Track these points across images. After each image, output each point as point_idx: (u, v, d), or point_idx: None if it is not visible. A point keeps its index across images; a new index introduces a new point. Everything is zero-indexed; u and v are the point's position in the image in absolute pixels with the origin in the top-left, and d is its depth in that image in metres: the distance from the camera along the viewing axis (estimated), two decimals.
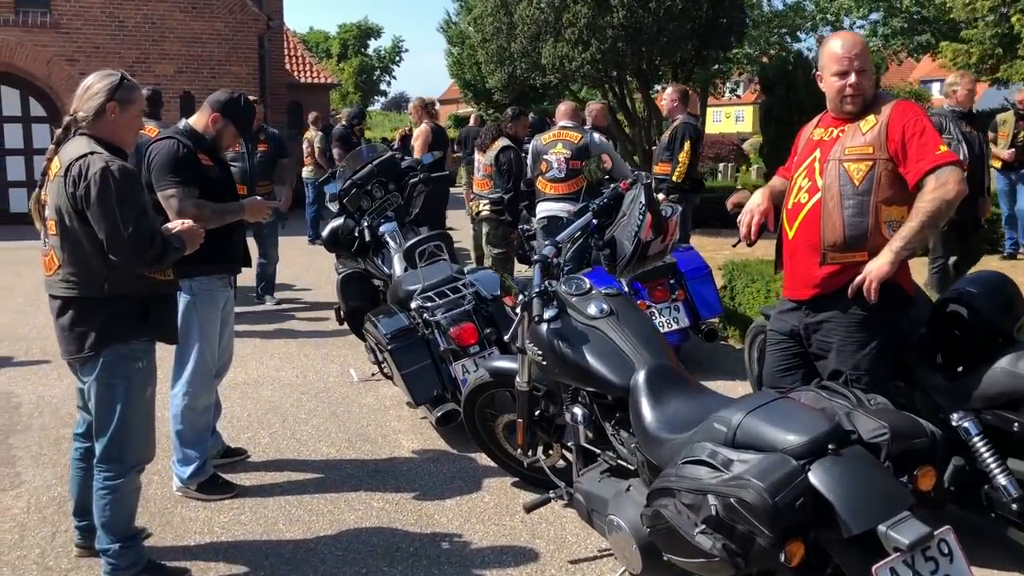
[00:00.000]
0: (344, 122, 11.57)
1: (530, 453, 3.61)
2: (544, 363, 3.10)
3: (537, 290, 2.98)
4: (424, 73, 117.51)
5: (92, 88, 3.04)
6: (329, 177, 8.43)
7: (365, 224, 5.57)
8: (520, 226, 7.57)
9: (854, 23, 32.48)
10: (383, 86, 60.82)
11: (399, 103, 63.46)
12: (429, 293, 4.60)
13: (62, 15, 14.57)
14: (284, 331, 7.12)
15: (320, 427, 4.91)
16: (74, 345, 3.03)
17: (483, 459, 4.21)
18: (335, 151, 10.18)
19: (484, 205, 6.79)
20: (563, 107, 6.59)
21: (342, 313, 5.82)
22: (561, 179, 6.32)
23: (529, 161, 6.62)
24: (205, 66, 15.30)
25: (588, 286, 3.17)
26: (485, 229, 6.84)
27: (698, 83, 23.33)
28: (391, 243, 5.54)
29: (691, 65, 13.42)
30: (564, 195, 6.32)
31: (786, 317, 3.26)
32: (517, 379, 3.44)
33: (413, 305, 4.62)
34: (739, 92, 43.21)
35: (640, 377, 2.77)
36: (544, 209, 6.40)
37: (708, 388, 2.94)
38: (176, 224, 3.25)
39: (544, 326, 2.99)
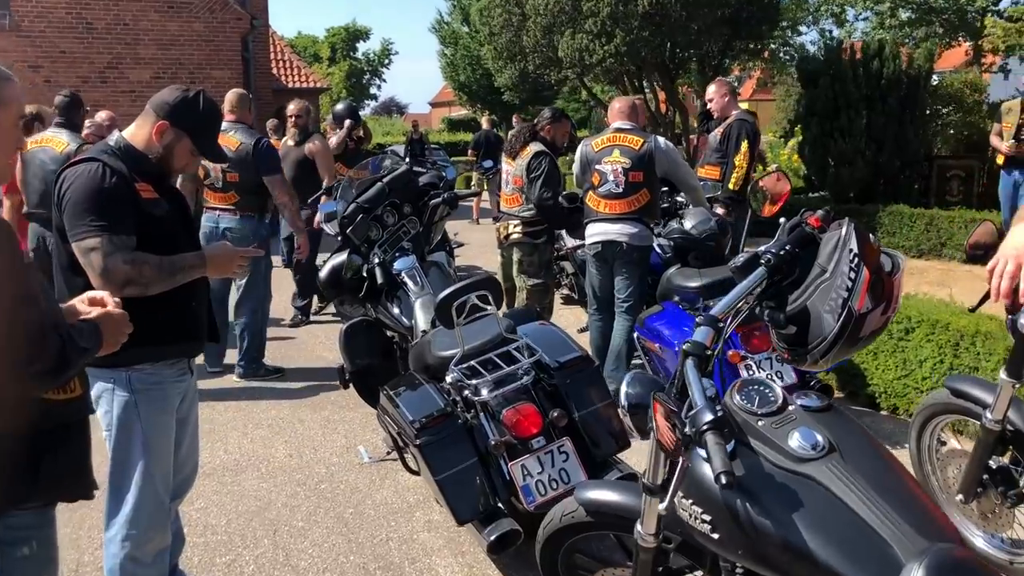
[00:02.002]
0: (335, 131, 9.66)
1: None
2: (714, 535, 1.83)
3: (708, 420, 1.69)
4: (415, 76, 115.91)
5: None
6: (323, 194, 7.17)
7: (376, 261, 4.29)
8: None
9: (859, 15, 31.33)
10: (373, 90, 59.46)
11: (389, 108, 62.08)
12: (472, 362, 3.31)
13: (23, 17, 13.25)
14: (272, 388, 5.81)
15: (323, 543, 3.62)
16: None
17: None
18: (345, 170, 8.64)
19: (515, 226, 5.50)
20: (619, 104, 5.28)
21: (346, 374, 4.51)
22: (619, 194, 5.03)
23: (576, 171, 5.33)
24: (183, 70, 13.99)
25: (779, 398, 1.89)
26: (517, 255, 5.54)
27: (696, 82, 22.07)
28: (410, 284, 4.26)
29: (719, 58, 12.15)
30: (622, 215, 5.03)
31: None
32: (639, 527, 2.16)
33: (449, 378, 3.34)
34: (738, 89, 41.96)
35: None
36: (597, 232, 5.11)
37: None
38: (88, 306, 1.99)
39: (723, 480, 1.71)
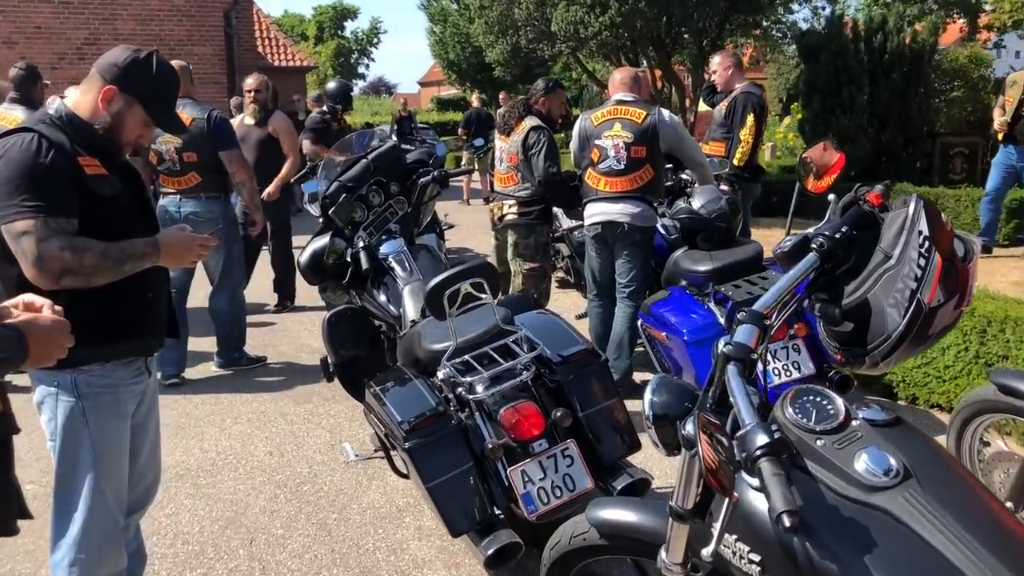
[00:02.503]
0: (319, 108, 8.96)
1: None
2: (763, 574, 1.52)
3: (763, 444, 1.37)
4: (404, 55, 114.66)
5: None
6: (307, 173, 6.81)
7: (361, 244, 3.95)
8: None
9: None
10: (362, 69, 58.82)
11: (378, 88, 61.42)
12: (466, 357, 2.99)
13: None
14: (253, 380, 5.47)
15: (304, 553, 3.31)
16: None
17: None
18: (305, 143, 7.73)
19: (510, 207, 5.16)
20: (620, 74, 4.93)
21: (330, 366, 4.18)
22: (620, 171, 4.70)
23: (574, 147, 4.98)
24: (163, 47, 13.45)
25: (840, 411, 1.57)
26: (512, 238, 5.20)
27: (689, 59, 21.48)
28: (398, 270, 3.92)
29: (716, 32, 11.76)
30: (624, 193, 4.70)
31: None
32: (663, 556, 1.85)
33: (441, 374, 3.02)
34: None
35: None
36: (597, 212, 4.78)
37: None
38: (16, 309, 1.67)
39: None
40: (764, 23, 15.10)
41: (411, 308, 3.70)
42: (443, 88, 45.47)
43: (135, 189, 2.46)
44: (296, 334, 6.47)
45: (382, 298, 3.91)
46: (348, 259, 3.95)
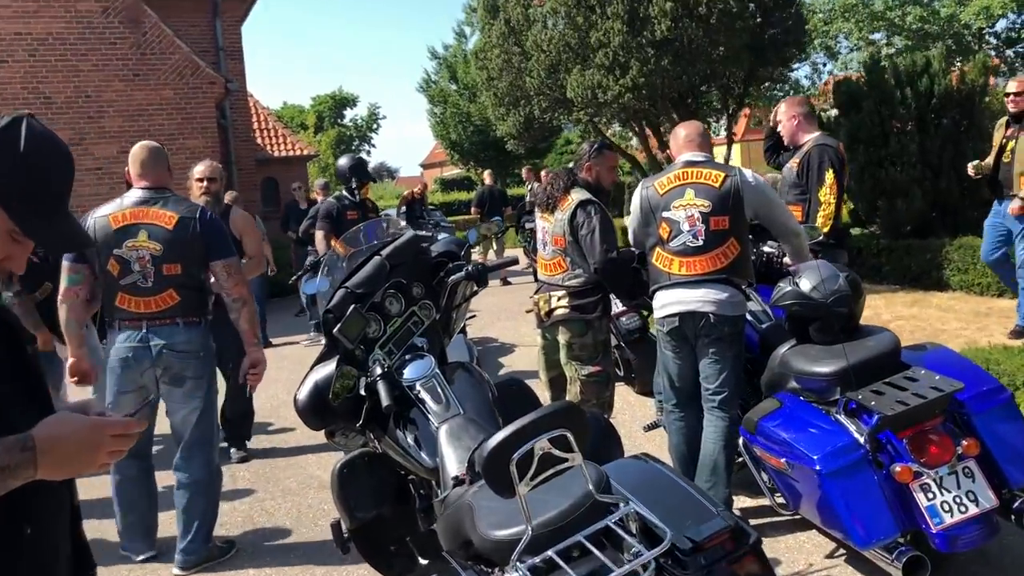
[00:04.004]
0: (328, 196, 7.87)
1: None
2: None
3: None
4: (404, 139, 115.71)
5: None
6: (307, 270, 5.86)
7: (378, 371, 2.92)
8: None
9: (855, 45, 30.58)
10: (362, 155, 58.80)
11: (380, 173, 61.33)
12: (549, 553, 1.95)
13: None
14: (253, 527, 4.41)
15: None
16: None
17: None
18: (318, 236, 6.83)
19: (560, 299, 4.17)
20: (685, 130, 3.98)
21: (344, 532, 3.12)
22: (699, 248, 3.71)
23: (633, 224, 4.02)
24: (153, 141, 12.76)
25: None
26: (564, 337, 4.19)
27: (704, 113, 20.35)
28: (429, 401, 2.89)
29: (742, 87, 10.95)
30: (705, 275, 3.71)
31: None
32: None
33: None
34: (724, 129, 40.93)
35: None
36: (671, 301, 3.78)
37: None
38: None
39: None
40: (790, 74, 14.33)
41: (452, 458, 2.67)
42: (445, 169, 45.08)
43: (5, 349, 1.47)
44: (302, 462, 5.43)
45: (410, 441, 2.87)
46: (362, 391, 2.93)
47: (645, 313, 5.75)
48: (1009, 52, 27.84)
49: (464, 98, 31.10)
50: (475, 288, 3.35)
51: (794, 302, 3.49)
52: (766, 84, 12.31)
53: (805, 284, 3.47)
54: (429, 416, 2.87)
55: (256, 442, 5.98)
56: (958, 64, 26.67)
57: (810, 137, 5.30)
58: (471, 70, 30.58)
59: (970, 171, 6.96)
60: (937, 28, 28.28)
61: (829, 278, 3.45)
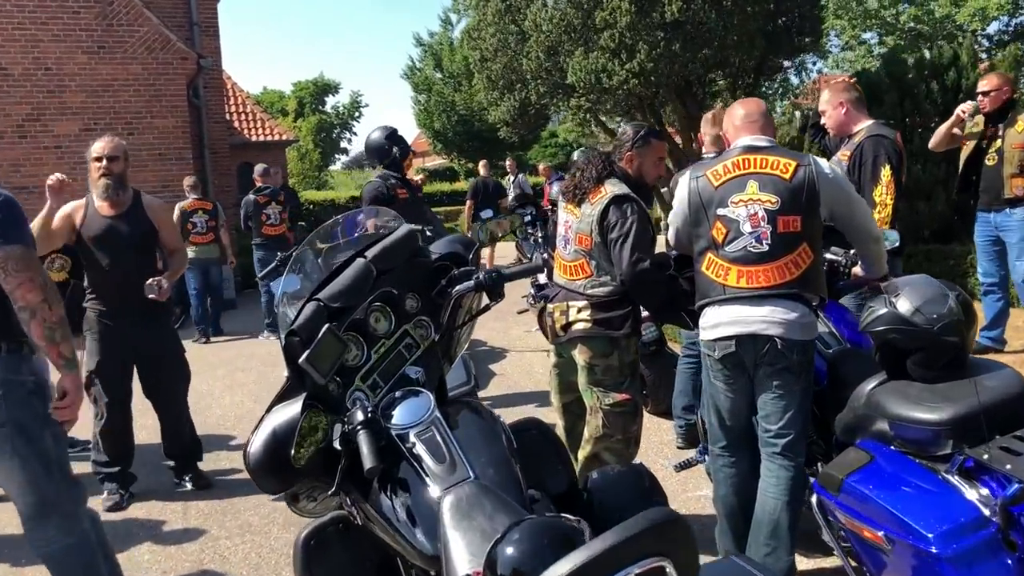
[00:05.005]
0: (377, 175, 5.80)
1: None
2: None
3: None
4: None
5: None
6: (276, 267, 5.10)
7: (359, 417, 2.13)
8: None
9: (847, 43, 30.05)
10: (344, 144, 57.63)
11: (361, 162, 60.26)
12: None
13: None
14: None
15: None
16: None
17: None
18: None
19: (580, 311, 3.42)
20: (744, 107, 3.21)
21: None
22: (763, 255, 2.97)
23: (678, 220, 3.26)
24: (119, 120, 11.88)
25: None
26: (584, 357, 3.43)
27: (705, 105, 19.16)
28: (427, 459, 2.12)
29: (752, 76, 10.21)
30: (772, 289, 2.96)
31: None
32: None
33: None
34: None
35: None
36: (727, 320, 3.02)
37: None
38: None
39: None
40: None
41: (460, 548, 1.91)
42: (428, 159, 44.15)
43: None
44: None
45: (401, 515, 2.10)
46: (336, 443, 2.15)
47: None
48: (999, 55, 27.39)
49: (449, 87, 30.34)
50: (487, 302, 2.58)
51: (890, 328, 2.74)
52: (779, 73, 11.61)
53: (904, 305, 2.72)
54: (428, 480, 2.10)
55: (213, 461, 5.21)
56: (984, 58, 26.20)
57: (863, 126, 4.58)
58: (456, 58, 29.79)
59: (965, 109, 6.01)
60: (929, 28, 27.88)
61: (934, 298, 2.71)
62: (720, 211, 3.05)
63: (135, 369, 4.72)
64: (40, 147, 11.50)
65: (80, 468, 5.08)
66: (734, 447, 3.20)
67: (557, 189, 9.79)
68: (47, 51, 11.59)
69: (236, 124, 19.63)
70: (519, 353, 7.83)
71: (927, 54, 9.09)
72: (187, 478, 4.89)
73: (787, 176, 3.00)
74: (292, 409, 2.17)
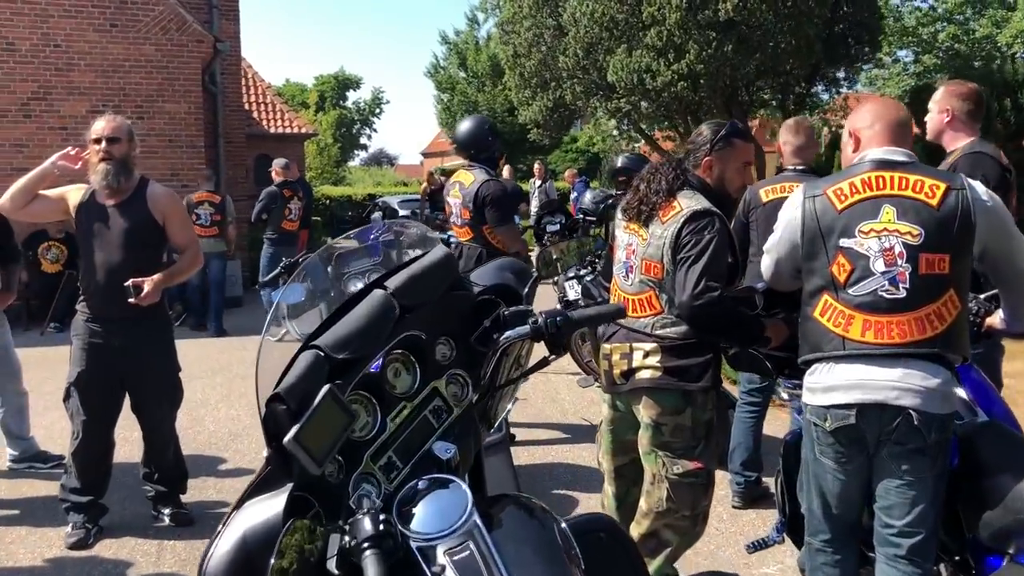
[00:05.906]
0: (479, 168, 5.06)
1: None
2: None
3: None
4: (406, 124, 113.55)
5: None
6: (279, 275, 4.48)
7: (368, 527, 1.47)
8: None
9: (879, 61, 29.32)
10: (363, 139, 57.18)
11: (379, 159, 59.76)
12: None
13: None
14: None
15: None
16: None
17: None
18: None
19: (646, 356, 2.74)
20: (878, 109, 2.52)
21: None
22: (899, 303, 2.29)
23: (779, 248, 2.58)
24: (129, 103, 11.27)
25: None
26: (649, 414, 2.73)
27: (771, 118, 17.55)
28: None
29: (804, 86, 9.52)
30: (909, 347, 2.28)
31: None
32: None
33: None
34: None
35: None
36: (845, 384, 2.34)
37: None
38: None
39: None
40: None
41: None
42: (448, 159, 43.64)
43: None
44: None
45: None
46: (334, 566, 1.49)
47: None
48: None
49: (472, 87, 29.81)
50: (548, 356, 1.90)
51: None
52: (834, 82, 10.91)
53: None
54: None
55: (198, 489, 4.58)
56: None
57: (963, 143, 3.87)
58: (482, 58, 29.23)
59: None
60: (967, 48, 27.21)
61: None
62: (844, 242, 2.36)
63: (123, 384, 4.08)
64: (45, 127, 10.91)
65: (48, 489, 4.49)
66: (840, 543, 2.50)
67: (590, 198, 9.09)
68: (57, 26, 11.00)
69: (255, 114, 19.14)
70: (543, 376, 7.14)
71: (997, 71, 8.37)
72: (166, 512, 4.24)
73: (934, 202, 2.32)
74: (271, 508, 1.50)
